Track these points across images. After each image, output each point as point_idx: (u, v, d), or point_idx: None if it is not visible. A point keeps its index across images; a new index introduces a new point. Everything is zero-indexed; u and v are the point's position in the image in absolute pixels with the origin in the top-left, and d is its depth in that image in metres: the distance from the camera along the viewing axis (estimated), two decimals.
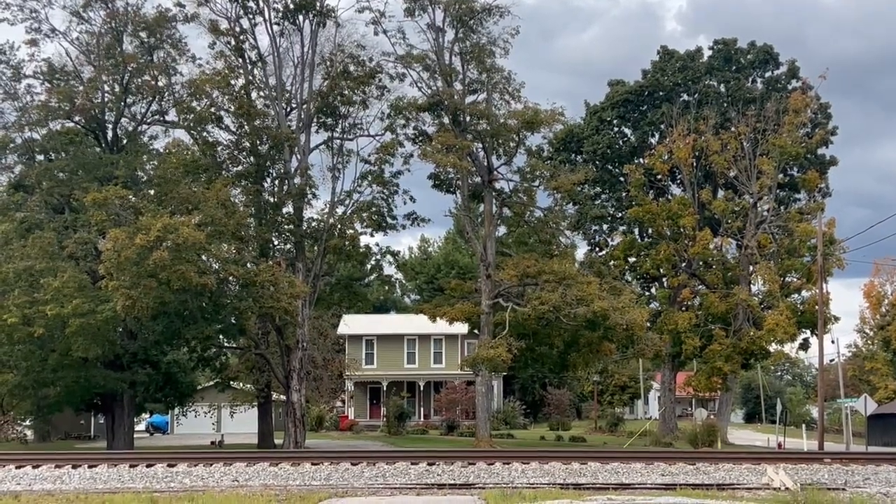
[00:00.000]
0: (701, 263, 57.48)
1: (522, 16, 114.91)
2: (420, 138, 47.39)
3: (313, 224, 45.31)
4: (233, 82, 43.68)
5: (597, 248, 64.12)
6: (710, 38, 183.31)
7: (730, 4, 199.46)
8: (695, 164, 57.36)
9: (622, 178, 62.50)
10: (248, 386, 51.57)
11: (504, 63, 49.09)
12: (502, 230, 50.60)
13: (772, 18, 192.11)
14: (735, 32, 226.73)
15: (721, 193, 59.22)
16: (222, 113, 43.96)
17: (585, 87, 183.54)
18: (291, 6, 44.54)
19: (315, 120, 45.74)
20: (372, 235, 47.16)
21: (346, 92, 45.15)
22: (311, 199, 45.21)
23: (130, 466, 23.84)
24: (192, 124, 42.86)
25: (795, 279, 55.98)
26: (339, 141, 46.63)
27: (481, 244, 46.93)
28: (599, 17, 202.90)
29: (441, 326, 54.66)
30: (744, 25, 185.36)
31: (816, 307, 47.21)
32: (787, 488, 21.01)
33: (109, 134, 43.79)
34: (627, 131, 64.90)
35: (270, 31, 44.94)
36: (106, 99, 42.98)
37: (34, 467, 23.88)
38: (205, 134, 43.67)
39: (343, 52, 45.34)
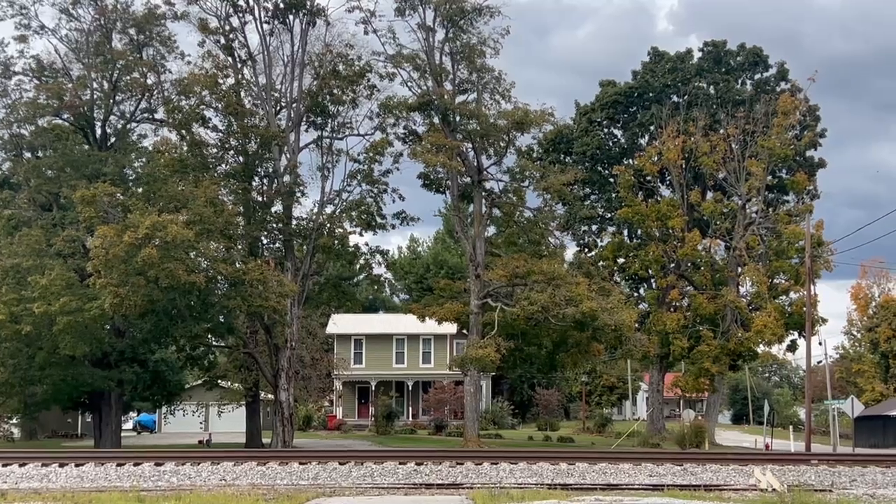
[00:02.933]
0: (689, 265, 57.59)
1: (515, 13, 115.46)
2: (410, 138, 47.42)
3: (302, 223, 45.26)
4: (221, 81, 43.58)
5: (586, 249, 64.17)
6: (701, 37, 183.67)
7: (721, 4, 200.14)
8: (684, 165, 57.45)
9: (612, 179, 62.58)
10: (237, 385, 51.45)
11: (495, 62, 49.12)
12: (492, 230, 50.64)
13: (764, 18, 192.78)
14: (727, 32, 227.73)
15: (710, 195, 59.35)
16: (211, 111, 43.90)
17: (578, 85, 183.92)
18: (281, 5, 44.47)
19: (304, 119, 45.68)
20: (361, 235, 47.17)
21: (336, 91, 45.12)
22: (300, 198, 45.19)
23: (118, 465, 23.77)
24: (180, 123, 42.73)
25: (783, 281, 56.12)
26: (328, 140, 46.60)
27: (471, 244, 46.94)
28: (593, 15, 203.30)
29: (430, 326, 54.66)
30: (735, 25, 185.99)
31: (804, 309, 47.36)
32: (774, 489, 21.07)
33: (98, 131, 43.73)
34: (617, 132, 65.01)
35: (260, 30, 44.90)
36: (95, 96, 42.90)
37: (21, 465, 23.79)
38: (193, 132, 43.52)
39: (332, 51, 45.29)
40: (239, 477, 22.74)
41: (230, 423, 56.88)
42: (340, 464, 23.85)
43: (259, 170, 45.02)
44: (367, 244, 48.40)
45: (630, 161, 61.50)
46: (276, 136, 43.37)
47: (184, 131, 42.89)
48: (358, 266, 50.32)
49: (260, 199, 44.77)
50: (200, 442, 49.81)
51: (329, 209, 45.60)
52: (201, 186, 38.96)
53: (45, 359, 38.52)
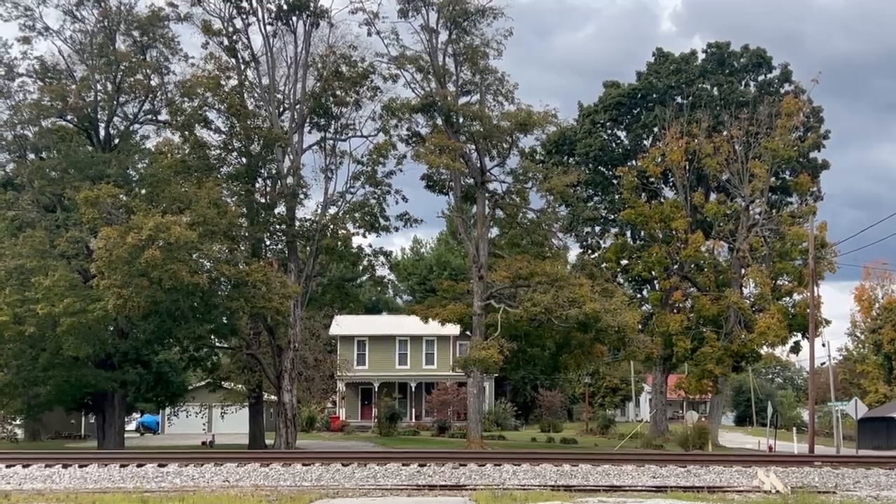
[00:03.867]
0: (693, 266, 57.57)
1: (516, 14, 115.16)
2: (413, 139, 47.43)
3: (305, 224, 45.29)
4: (223, 83, 43.61)
5: (589, 251, 64.16)
6: (704, 38, 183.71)
7: (724, 5, 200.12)
8: (687, 166, 57.44)
9: (615, 181, 62.58)
10: (240, 386, 51.44)
11: (498, 63, 49.19)
12: (495, 231, 50.62)
13: (767, 19, 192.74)
14: (730, 32, 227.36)
15: (713, 196, 59.35)
16: (214, 113, 43.91)
17: (581, 85, 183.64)
18: (285, 7, 44.51)
19: (308, 120, 45.69)
20: (364, 236, 47.20)
21: (339, 93, 45.15)
22: (303, 200, 45.23)
23: (121, 466, 23.78)
24: (183, 124, 42.76)
25: (787, 282, 56.10)
26: (331, 141, 46.61)
27: (473, 245, 46.92)
28: (595, 16, 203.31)
29: (433, 327, 54.65)
30: (738, 25, 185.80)
31: (807, 310, 47.33)
32: (777, 491, 21.04)
33: (101, 133, 43.73)
34: (620, 134, 65.01)
35: (264, 32, 44.95)
36: (98, 98, 42.91)
37: (24, 466, 23.80)
38: (197, 134, 43.54)
39: (335, 52, 45.30)
40: (242, 478, 22.73)
41: (233, 424, 56.86)
42: (343, 465, 23.85)
43: (262, 171, 45.05)
44: (370, 246, 48.55)
45: (633, 162, 61.51)
46: (280, 137, 43.38)
47: (186, 133, 42.95)
48: (361, 267, 50.37)
49: (263, 200, 44.80)
50: (203, 443, 49.83)
51: (332, 210, 45.67)
52: (204, 188, 38.98)
53: (48, 360, 38.54)
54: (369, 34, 46.15)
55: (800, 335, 56.44)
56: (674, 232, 56.86)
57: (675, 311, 57.57)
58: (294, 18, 45.01)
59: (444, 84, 46.37)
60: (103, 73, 42.58)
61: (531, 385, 78.40)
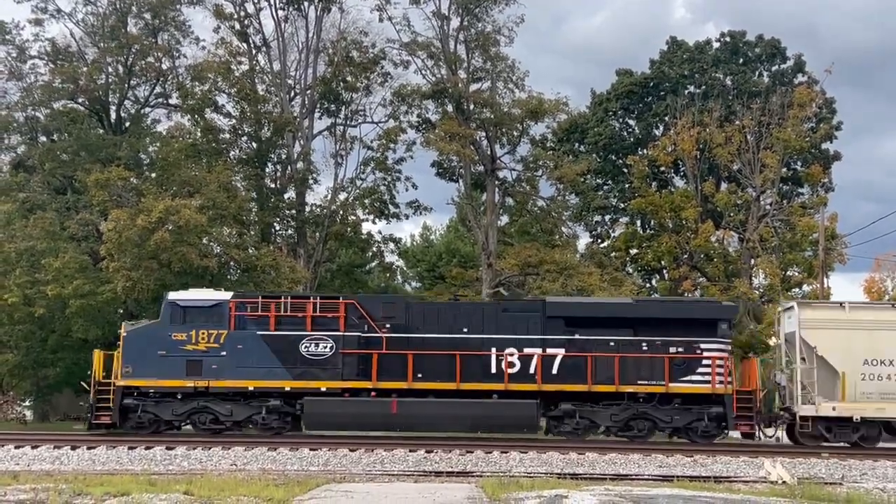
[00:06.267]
0: (702, 256, 57.36)
1: (530, 1, 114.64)
2: (423, 126, 47.39)
3: (315, 210, 45.34)
4: (234, 67, 43.63)
5: (598, 239, 63.96)
6: (719, 25, 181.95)
7: None
8: (698, 156, 57.13)
9: (625, 170, 62.37)
10: None
11: (510, 50, 49.18)
12: (504, 219, 50.58)
13: (783, 7, 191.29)
14: (744, 21, 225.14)
15: (724, 186, 59.07)
16: (224, 98, 43.96)
17: (594, 73, 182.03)
18: None
19: (318, 106, 45.70)
20: (374, 223, 47.28)
21: (350, 78, 45.15)
22: (313, 185, 45.30)
23: (129, 448, 23.87)
24: (193, 108, 42.75)
25: (797, 273, 55.87)
26: (341, 127, 46.67)
27: (483, 233, 46.88)
28: (609, 3, 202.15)
29: None
30: (753, 13, 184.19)
31: None
32: (784, 482, 21.00)
33: (112, 115, 43.77)
34: (632, 122, 64.74)
35: (275, 17, 45.04)
36: (109, 80, 42.94)
37: (33, 447, 23.92)
38: (206, 118, 43.53)
39: (347, 38, 45.28)
40: (249, 462, 22.80)
41: None
42: (351, 450, 23.89)
43: (272, 156, 45.13)
44: (379, 232, 48.60)
45: (644, 151, 61.27)
46: (290, 122, 43.39)
47: (197, 117, 42.97)
48: (370, 254, 50.41)
49: (273, 185, 44.88)
50: None
51: (342, 196, 45.70)
52: (214, 172, 39.05)
53: (57, 341, 38.70)
54: (380, 20, 46.22)
55: None
56: (684, 221, 56.59)
57: None
58: (305, 4, 45.09)
59: (455, 71, 46.26)
60: (115, 55, 42.59)
61: None
